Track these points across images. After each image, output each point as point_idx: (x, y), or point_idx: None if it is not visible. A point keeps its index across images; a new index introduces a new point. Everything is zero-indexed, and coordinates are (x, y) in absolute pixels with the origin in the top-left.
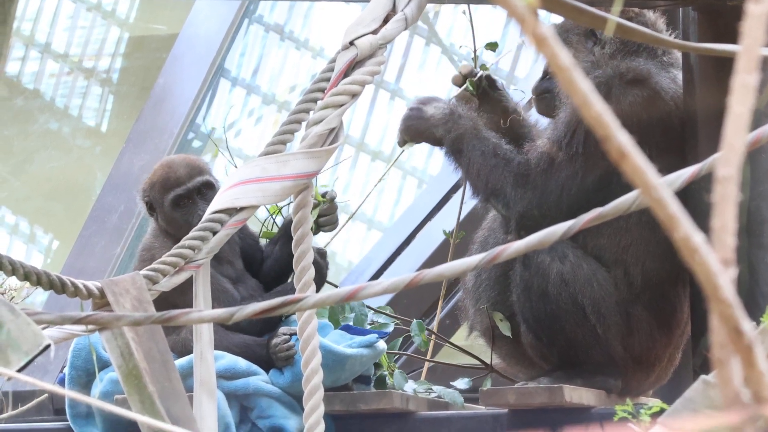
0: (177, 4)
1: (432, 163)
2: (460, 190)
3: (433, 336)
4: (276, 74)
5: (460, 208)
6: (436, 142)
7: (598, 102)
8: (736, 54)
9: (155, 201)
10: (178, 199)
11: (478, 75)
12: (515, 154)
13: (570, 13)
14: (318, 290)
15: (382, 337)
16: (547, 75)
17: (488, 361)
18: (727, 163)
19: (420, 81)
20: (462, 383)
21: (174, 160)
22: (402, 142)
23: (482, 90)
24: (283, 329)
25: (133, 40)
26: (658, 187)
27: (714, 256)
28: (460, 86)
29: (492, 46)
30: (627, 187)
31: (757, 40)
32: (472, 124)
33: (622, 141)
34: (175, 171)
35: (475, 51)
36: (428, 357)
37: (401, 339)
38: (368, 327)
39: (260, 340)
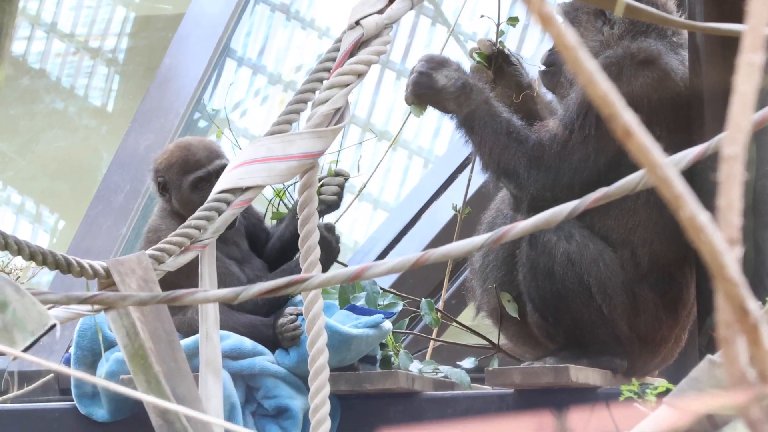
0: None
1: (438, 143)
2: (467, 169)
3: (440, 315)
4: (282, 54)
5: (468, 185)
6: (447, 113)
7: (604, 81)
8: (742, 33)
9: (171, 182)
10: (198, 181)
11: (493, 49)
12: (529, 134)
13: None
14: (327, 267)
15: (388, 317)
16: (550, 65)
17: (495, 341)
18: (732, 142)
19: None
20: (468, 362)
21: (191, 142)
22: (409, 101)
23: (498, 65)
24: (289, 309)
25: (139, 19)
26: (664, 166)
27: (719, 235)
28: (475, 60)
29: (513, 21)
30: (635, 169)
31: (763, 20)
32: (484, 99)
33: (627, 119)
34: (194, 153)
35: (498, 25)
36: (434, 337)
37: (408, 319)
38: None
39: (266, 320)
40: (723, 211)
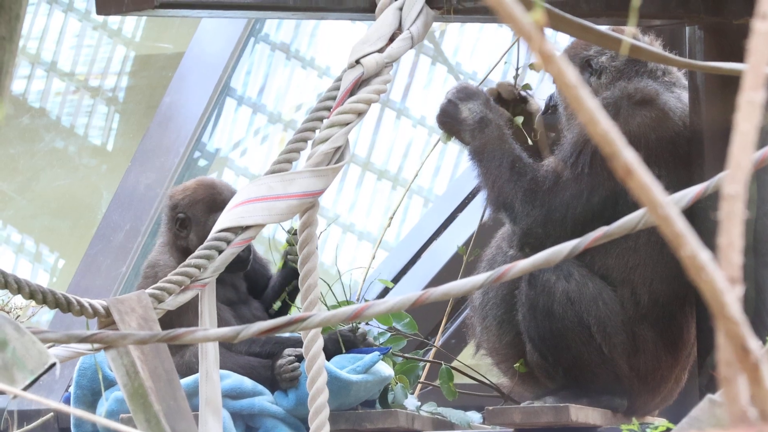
0: (183, 22)
1: (438, 183)
2: (466, 209)
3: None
4: (282, 93)
5: (481, 220)
6: (463, 143)
7: (605, 119)
8: (743, 72)
9: (195, 219)
10: None
11: (514, 93)
12: (529, 170)
13: (576, 30)
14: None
15: (384, 353)
16: (548, 110)
17: (494, 382)
18: (733, 181)
19: (426, 100)
20: (476, 417)
21: (215, 181)
22: (439, 126)
23: (518, 108)
24: (288, 351)
25: (139, 58)
26: (665, 205)
27: (720, 274)
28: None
29: (535, 66)
30: (633, 208)
31: (764, 58)
32: (498, 134)
33: (628, 158)
34: (221, 193)
35: (517, 70)
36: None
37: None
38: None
39: (265, 362)
40: (724, 250)
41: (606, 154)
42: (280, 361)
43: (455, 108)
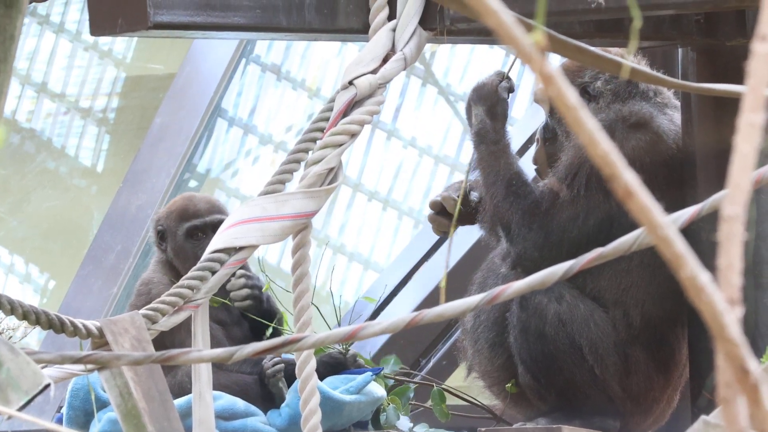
0: (174, 43)
1: (428, 204)
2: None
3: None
4: (273, 114)
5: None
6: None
7: (605, 141)
8: (740, 93)
9: (169, 229)
10: (193, 229)
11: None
12: (529, 191)
13: (572, 53)
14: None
15: (376, 374)
16: (542, 140)
17: (485, 404)
18: (733, 202)
19: (416, 121)
20: None
21: (195, 194)
22: None
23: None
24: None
25: (130, 79)
26: (665, 226)
27: (720, 296)
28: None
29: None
30: (628, 229)
31: (763, 80)
32: (497, 148)
33: (628, 180)
34: (195, 204)
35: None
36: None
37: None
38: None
39: (256, 378)
40: (723, 272)
41: (606, 176)
42: (264, 361)
43: (469, 109)
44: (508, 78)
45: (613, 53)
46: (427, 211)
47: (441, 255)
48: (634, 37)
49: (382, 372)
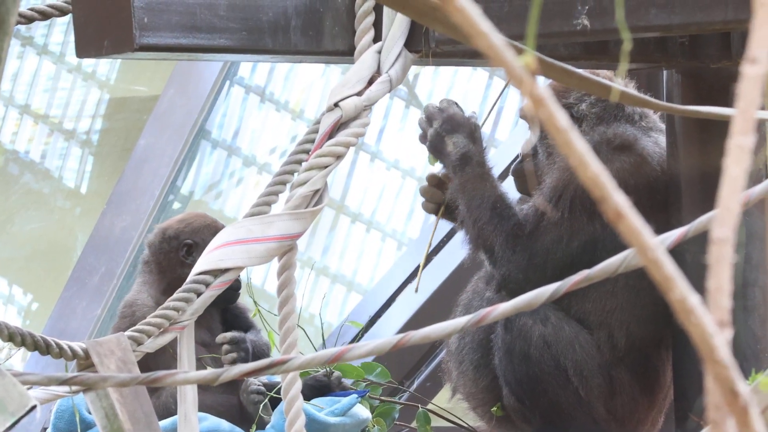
0: (158, 65)
1: (411, 226)
2: (441, 252)
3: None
4: (257, 136)
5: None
6: (449, 175)
7: (595, 163)
8: (726, 115)
9: (203, 243)
10: None
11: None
12: (510, 213)
13: (560, 75)
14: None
15: (362, 396)
16: (519, 157)
17: (471, 425)
18: (723, 225)
19: (400, 143)
20: None
21: (205, 213)
22: (429, 157)
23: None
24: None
25: (113, 101)
26: (655, 248)
27: (710, 318)
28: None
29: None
30: (612, 251)
31: (753, 102)
32: (479, 172)
33: (618, 202)
34: (215, 220)
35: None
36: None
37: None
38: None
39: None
40: (713, 294)
41: (596, 198)
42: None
43: (441, 141)
44: (456, 104)
45: (601, 76)
46: (411, 232)
47: (425, 277)
48: (624, 59)
49: (368, 394)
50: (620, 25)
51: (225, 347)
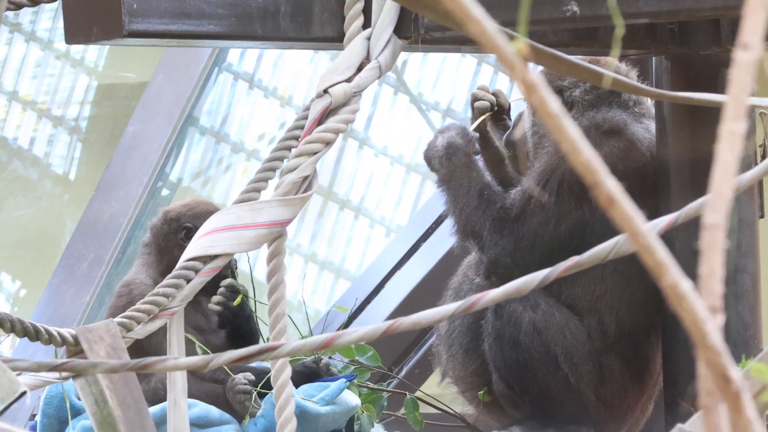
0: (147, 52)
1: (400, 213)
2: (429, 239)
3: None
4: (245, 123)
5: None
6: (433, 171)
7: (587, 148)
8: (717, 102)
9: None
10: None
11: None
12: (498, 198)
13: (549, 61)
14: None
15: (350, 380)
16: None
17: (459, 412)
18: (715, 211)
19: (388, 130)
20: None
21: (210, 201)
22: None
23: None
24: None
25: (102, 87)
26: (647, 234)
27: (702, 303)
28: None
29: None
30: (602, 237)
31: (745, 88)
32: (466, 161)
33: (611, 187)
34: (215, 206)
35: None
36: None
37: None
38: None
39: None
40: (705, 279)
41: (588, 184)
42: (229, 383)
43: (434, 140)
44: None
45: (603, 62)
46: (400, 219)
47: (413, 264)
48: (616, 44)
49: (356, 378)
50: (613, 12)
51: (220, 290)
